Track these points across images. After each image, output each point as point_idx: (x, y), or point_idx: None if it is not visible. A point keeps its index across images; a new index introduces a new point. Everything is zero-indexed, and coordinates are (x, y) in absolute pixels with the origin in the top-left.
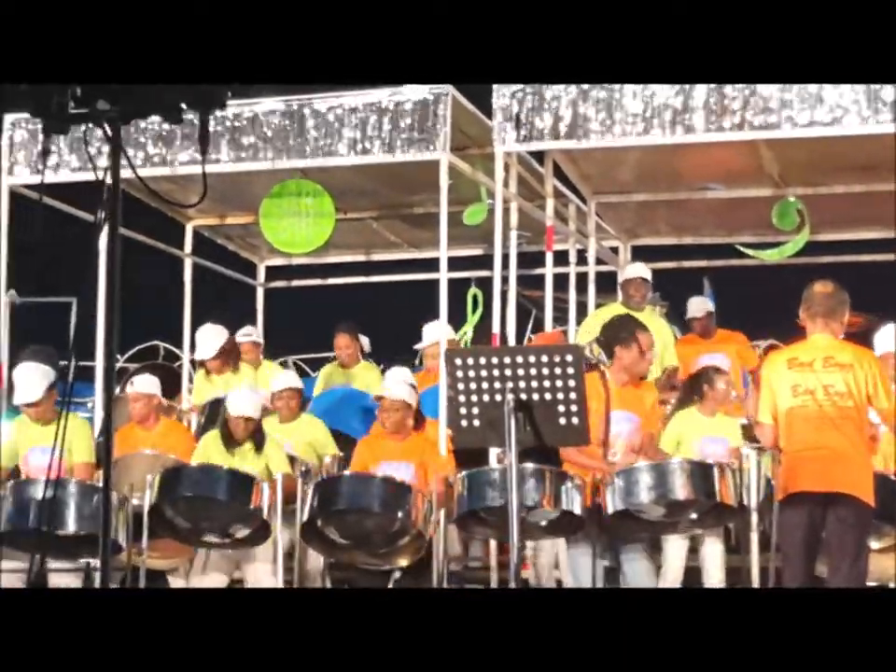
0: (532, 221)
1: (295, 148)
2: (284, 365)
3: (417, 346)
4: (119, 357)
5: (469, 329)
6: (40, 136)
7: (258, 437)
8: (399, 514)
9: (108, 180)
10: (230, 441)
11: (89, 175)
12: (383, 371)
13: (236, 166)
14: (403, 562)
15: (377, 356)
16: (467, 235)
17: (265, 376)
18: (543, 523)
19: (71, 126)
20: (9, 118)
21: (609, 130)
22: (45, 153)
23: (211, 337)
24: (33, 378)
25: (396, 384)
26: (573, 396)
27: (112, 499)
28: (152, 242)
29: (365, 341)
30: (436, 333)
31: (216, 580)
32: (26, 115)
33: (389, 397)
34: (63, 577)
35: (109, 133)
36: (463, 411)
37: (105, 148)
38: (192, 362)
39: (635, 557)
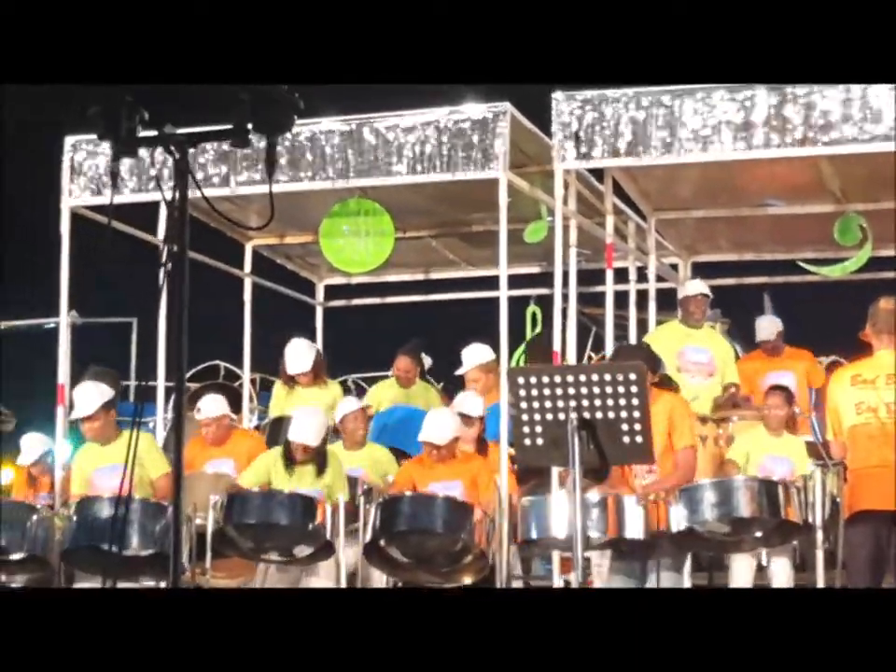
0: (592, 238)
1: (354, 168)
2: (343, 384)
3: (458, 372)
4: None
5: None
6: (102, 159)
7: (319, 460)
8: (462, 534)
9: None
10: (289, 462)
11: (147, 196)
12: (445, 390)
13: (295, 186)
14: (466, 581)
15: (436, 375)
16: (526, 253)
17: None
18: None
19: (139, 149)
20: (70, 139)
21: (669, 146)
22: (113, 176)
23: (304, 351)
24: (88, 394)
25: (437, 428)
26: (637, 414)
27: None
28: (212, 261)
29: (427, 360)
30: (474, 358)
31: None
32: (87, 136)
33: (433, 442)
34: None
35: (177, 156)
36: (526, 430)
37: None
38: (253, 381)
39: (664, 566)
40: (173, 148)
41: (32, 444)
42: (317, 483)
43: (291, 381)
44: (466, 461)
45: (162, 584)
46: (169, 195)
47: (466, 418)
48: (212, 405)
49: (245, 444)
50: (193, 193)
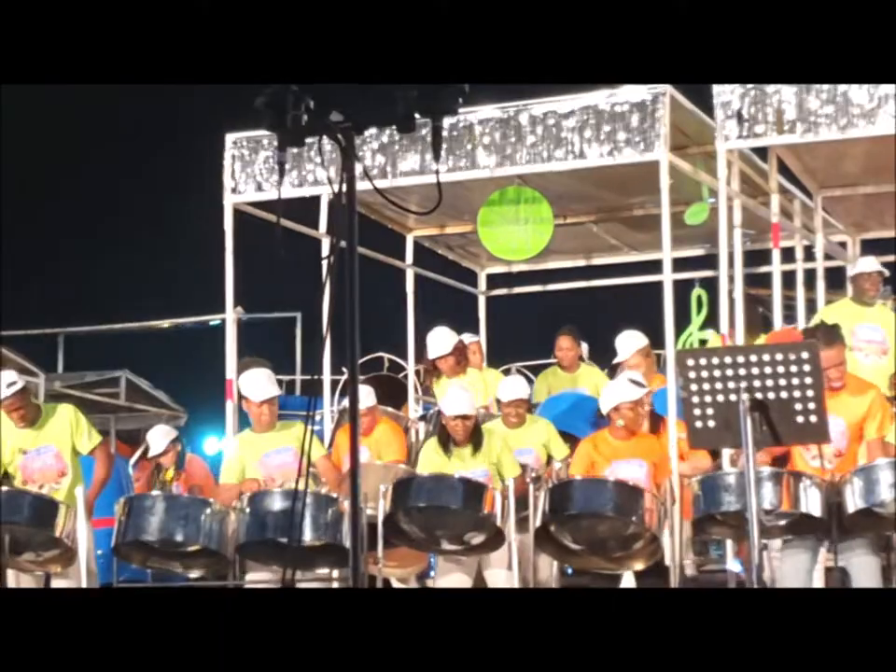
0: (756, 218)
1: (512, 155)
2: (507, 373)
3: (617, 360)
4: (343, 369)
5: (693, 331)
6: (263, 155)
7: (476, 437)
8: (633, 518)
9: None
10: (447, 444)
11: (310, 190)
12: (609, 375)
13: (454, 175)
14: (639, 565)
15: (600, 361)
16: (689, 235)
17: (489, 381)
18: (782, 522)
19: (306, 139)
20: (231, 136)
21: (835, 122)
22: (281, 166)
23: (443, 337)
24: (267, 378)
25: (626, 386)
26: (810, 393)
27: (345, 509)
28: (373, 254)
29: (584, 346)
30: (632, 344)
31: (459, 580)
32: (248, 133)
33: (625, 400)
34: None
35: (343, 143)
36: (697, 412)
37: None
38: (417, 372)
39: (859, 553)
40: (339, 136)
41: (157, 436)
42: (477, 461)
43: (435, 370)
44: (649, 439)
45: (335, 573)
46: (334, 185)
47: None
48: (362, 395)
49: (394, 439)
50: (359, 182)
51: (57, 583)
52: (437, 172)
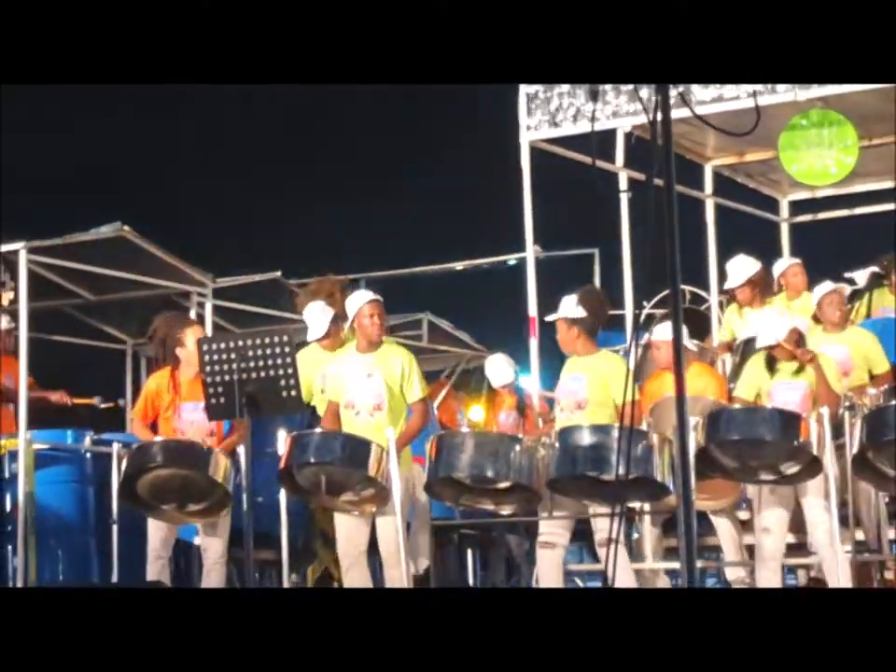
0: None
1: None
2: None
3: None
4: (644, 303)
5: None
6: (558, 92)
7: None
8: None
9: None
10: (773, 362)
11: (607, 124)
12: None
13: (752, 101)
14: None
15: None
16: None
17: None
18: None
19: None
20: None
21: None
22: (594, 96)
23: (739, 266)
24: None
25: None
26: None
27: (654, 441)
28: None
29: None
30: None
31: (778, 515)
32: None
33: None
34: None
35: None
36: None
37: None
38: (720, 304)
39: None
40: None
41: (500, 367)
42: (798, 377)
43: (734, 299)
44: None
45: (647, 507)
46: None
47: None
48: (665, 329)
49: (704, 382)
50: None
51: (380, 521)
52: (755, 94)
